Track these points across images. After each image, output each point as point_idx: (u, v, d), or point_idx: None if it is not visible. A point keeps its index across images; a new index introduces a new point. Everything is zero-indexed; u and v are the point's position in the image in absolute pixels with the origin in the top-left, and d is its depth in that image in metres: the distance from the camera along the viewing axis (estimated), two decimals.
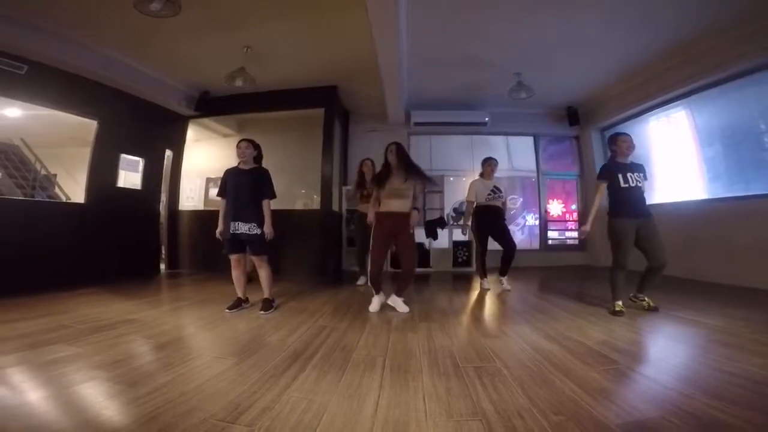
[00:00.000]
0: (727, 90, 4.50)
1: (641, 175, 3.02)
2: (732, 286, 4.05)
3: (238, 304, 3.21)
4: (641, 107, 5.69)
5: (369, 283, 3.21)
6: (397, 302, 3.13)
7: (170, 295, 4.17)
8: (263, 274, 3.21)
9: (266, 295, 3.22)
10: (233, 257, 3.19)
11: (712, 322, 2.62)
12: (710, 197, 4.81)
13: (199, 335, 2.53)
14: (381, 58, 4.14)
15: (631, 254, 2.93)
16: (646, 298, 3.03)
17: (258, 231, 3.10)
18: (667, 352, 2.15)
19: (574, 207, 7.19)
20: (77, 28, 4.07)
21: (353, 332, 2.48)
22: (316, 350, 2.11)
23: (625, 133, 3.12)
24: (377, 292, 3.19)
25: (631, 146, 3.04)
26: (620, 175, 2.97)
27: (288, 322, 2.76)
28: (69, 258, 4.41)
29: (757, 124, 4.26)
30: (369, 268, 3.19)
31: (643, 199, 2.99)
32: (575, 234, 7.11)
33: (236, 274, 3.24)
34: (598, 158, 6.74)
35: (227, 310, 3.10)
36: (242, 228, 3.08)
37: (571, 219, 7.18)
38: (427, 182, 3.33)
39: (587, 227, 3.15)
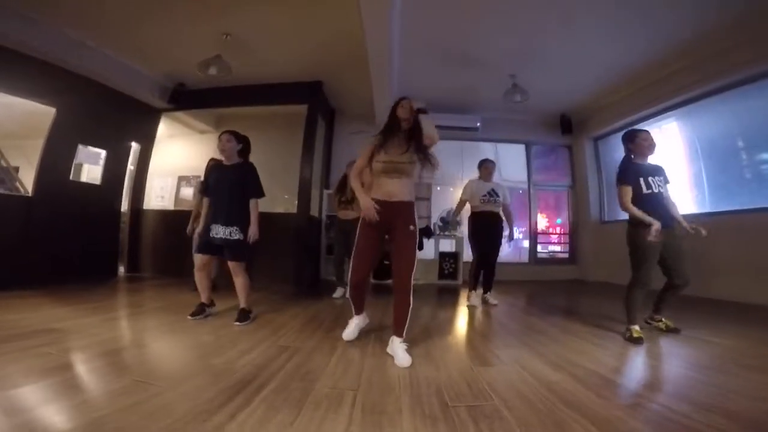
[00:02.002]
0: (726, 99, 4.32)
1: (662, 179, 2.61)
2: (740, 304, 3.77)
3: (202, 310, 2.86)
4: (635, 117, 5.49)
5: (347, 296, 2.47)
6: (396, 348, 2.03)
7: (121, 301, 3.66)
8: (239, 282, 2.85)
9: (242, 304, 2.86)
10: (201, 257, 2.83)
11: (732, 344, 2.32)
12: (709, 210, 4.56)
13: (130, 351, 2.05)
14: (371, 48, 3.80)
15: (654, 270, 2.55)
16: (663, 319, 2.68)
17: (239, 236, 2.75)
18: (695, 380, 1.79)
19: (559, 221, 6.95)
20: (35, 4, 3.62)
21: (320, 355, 2.05)
22: (269, 378, 1.67)
23: (644, 130, 2.71)
24: (357, 312, 2.39)
25: (652, 145, 2.62)
26: (642, 180, 2.55)
27: (243, 340, 2.31)
28: (8, 256, 3.85)
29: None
30: (349, 276, 2.28)
31: (666, 207, 2.60)
32: (558, 248, 6.94)
33: (199, 276, 2.88)
34: (591, 168, 6.54)
35: (190, 317, 2.78)
36: (220, 232, 2.74)
37: (555, 233, 6.96)
38: (429, 165, 2.24)
39: (655, 230, 2.41)
